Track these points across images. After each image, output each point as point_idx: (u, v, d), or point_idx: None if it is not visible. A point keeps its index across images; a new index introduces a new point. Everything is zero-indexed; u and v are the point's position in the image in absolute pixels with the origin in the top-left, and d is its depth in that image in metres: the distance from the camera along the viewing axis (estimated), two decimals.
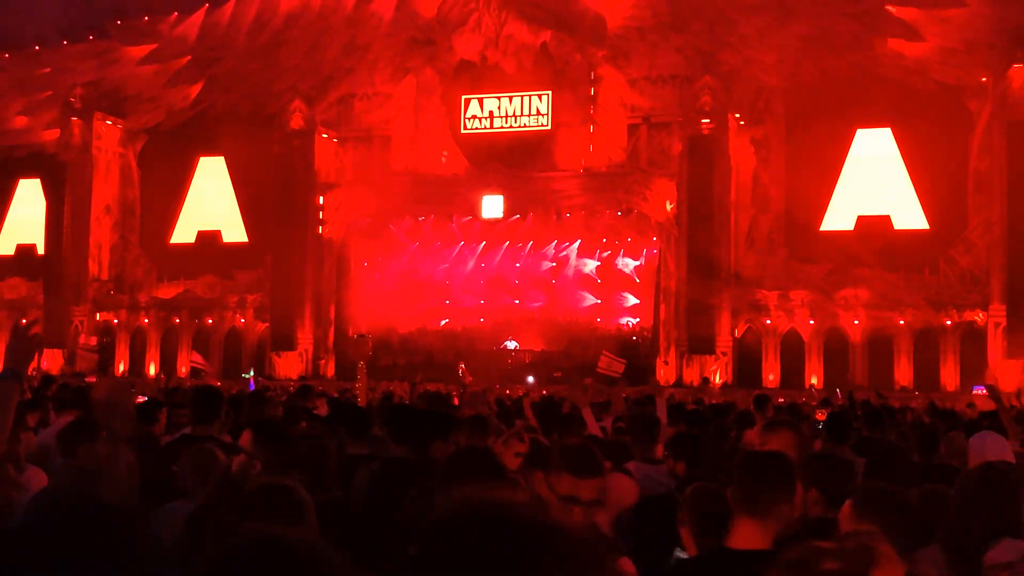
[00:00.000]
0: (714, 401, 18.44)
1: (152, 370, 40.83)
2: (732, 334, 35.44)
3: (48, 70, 44.15)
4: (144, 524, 4.96)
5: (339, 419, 8.57)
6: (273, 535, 1.62)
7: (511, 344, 38.53)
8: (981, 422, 11.60)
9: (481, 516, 1.47)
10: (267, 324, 40.26)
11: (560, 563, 1.43)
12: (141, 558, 4.50)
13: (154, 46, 43.13)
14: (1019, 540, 4.39)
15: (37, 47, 44.74)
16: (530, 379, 32.34)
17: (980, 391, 30.30)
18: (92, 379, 28.25)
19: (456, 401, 16.73)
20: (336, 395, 18.62)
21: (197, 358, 38.09)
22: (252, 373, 39.00)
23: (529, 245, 40.83)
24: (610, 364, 33.26)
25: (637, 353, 37.09)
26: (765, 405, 13.26)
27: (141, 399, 18.33)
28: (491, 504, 1.49)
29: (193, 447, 5.91)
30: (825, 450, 7.16)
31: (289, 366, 39.12)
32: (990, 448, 6.83)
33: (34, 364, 33.72)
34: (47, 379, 19.55)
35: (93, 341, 40.87)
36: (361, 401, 10.85)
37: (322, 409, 12.74)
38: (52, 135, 43.27)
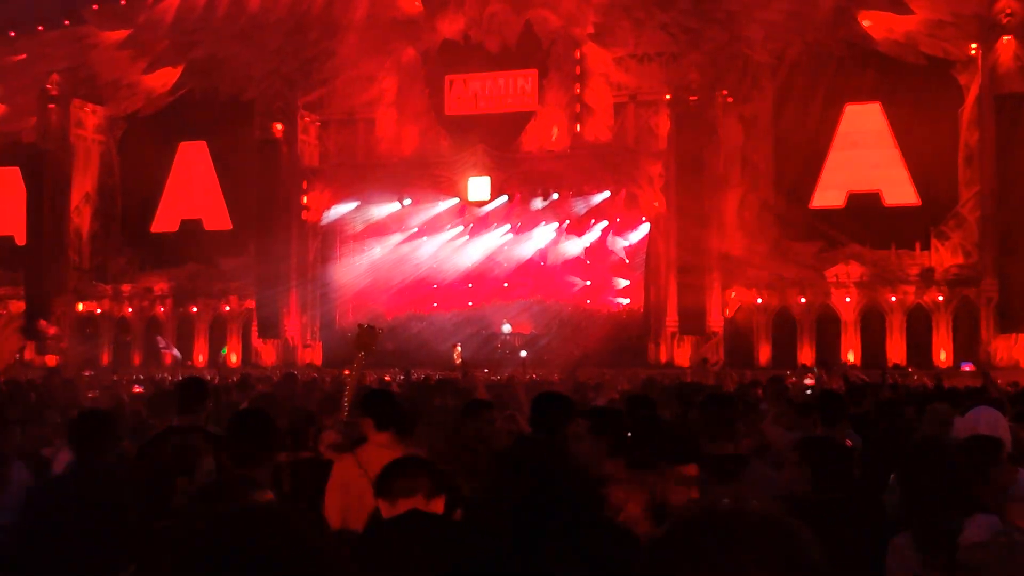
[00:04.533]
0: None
1: (136, 360, 40.44)
2: (723, 313, 35.22)
3: (24, 56, 43.39)
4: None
5: None
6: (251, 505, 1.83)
7: (506, 328, 38.15)
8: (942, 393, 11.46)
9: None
10: (252, 311, 39.82)
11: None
12: None
13: (131, 31, 42.48)
14: (991, 515, 4.18)
15: (12, 33, 43.97)
16: (523, 353, 31.85)
17: (968, 367, 30.30)
18: None
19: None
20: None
21: (163, 342, 37.69)
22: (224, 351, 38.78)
23: (517, 226, 40.48)
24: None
25: (628, 334, 36.93)
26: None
27: (138, 389, 18.00)
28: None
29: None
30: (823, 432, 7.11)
31: (275, 353, 38.74)
32: (984, 423, 6.67)
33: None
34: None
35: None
36: (347, 393, 10.49)
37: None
38: (30, 123, 42.62)
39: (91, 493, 5.06)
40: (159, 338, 37.71)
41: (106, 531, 4.57)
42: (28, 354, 40.24)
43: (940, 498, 4.11)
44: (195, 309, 41.12)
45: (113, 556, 3.90)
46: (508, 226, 40.52)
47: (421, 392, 13.94)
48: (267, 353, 38.89)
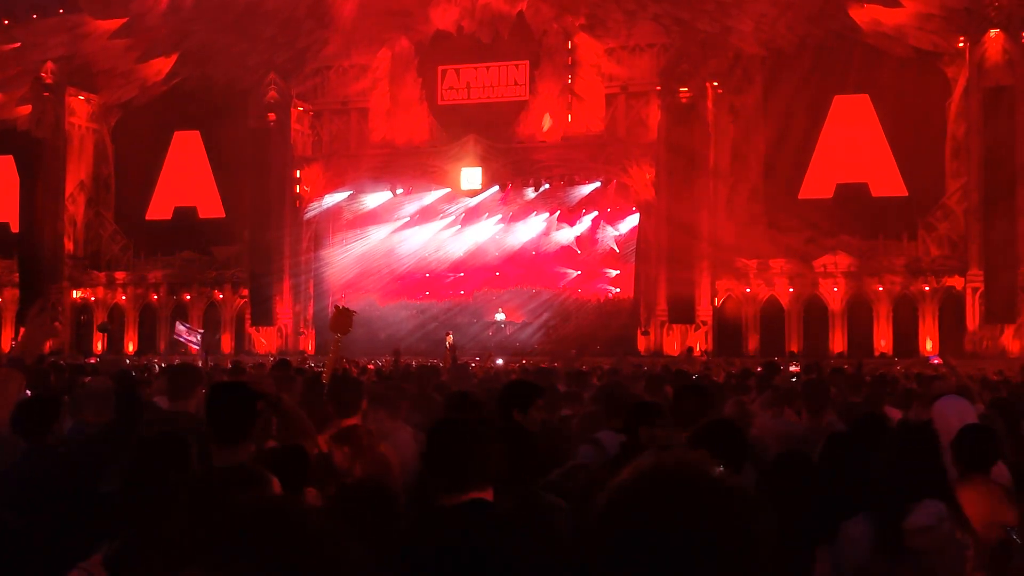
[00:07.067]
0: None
1: (131, 347, 40.59)
2: (712, 303, 35.49)
3: (18, 45, 43.38)
4: None
5: None
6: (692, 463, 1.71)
7: (500, 316, 38.34)
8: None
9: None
10: (245, 299, 40.04)
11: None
12: None
13: (125, 20, 42.47)
14: (938, 501, 4.32)
15: (6, 21, 43.95)
16: (499, 361, 32.10)
17: (935, 361, 30.56)
18: None
19: (444, 376, 16.63)
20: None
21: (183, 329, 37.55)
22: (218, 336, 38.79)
23: (508, 216, 40.68)
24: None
25: (618, 323, 37.18)
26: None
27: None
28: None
29: None
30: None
31: (268, 341, 38.97)
32: (954, 412, 6.73)
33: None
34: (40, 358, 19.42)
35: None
36: (325, 376, 10.64)
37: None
38: (24, 111, 42.68)
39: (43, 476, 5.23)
40: (181, 328, 37.45)
41: (69, 512, 4.74)
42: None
43: (892, 482, 4.26)
44: (189, 297, 41.33)
45: (83, 537, 3.96)
46: (500, 215, 40.73)
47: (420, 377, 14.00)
48: (260, 341, 39.10)
